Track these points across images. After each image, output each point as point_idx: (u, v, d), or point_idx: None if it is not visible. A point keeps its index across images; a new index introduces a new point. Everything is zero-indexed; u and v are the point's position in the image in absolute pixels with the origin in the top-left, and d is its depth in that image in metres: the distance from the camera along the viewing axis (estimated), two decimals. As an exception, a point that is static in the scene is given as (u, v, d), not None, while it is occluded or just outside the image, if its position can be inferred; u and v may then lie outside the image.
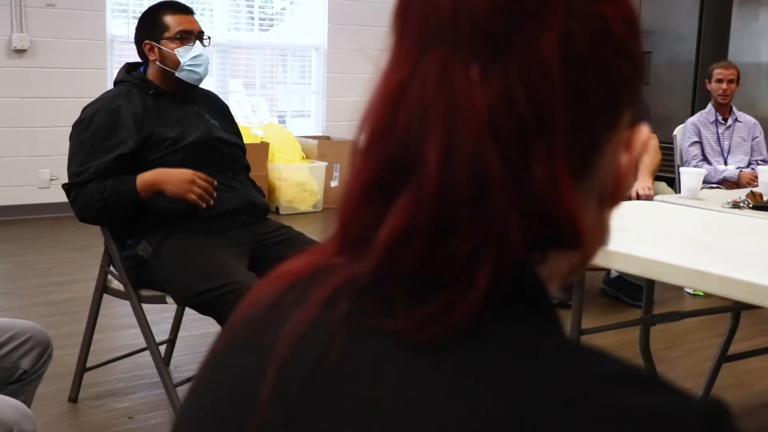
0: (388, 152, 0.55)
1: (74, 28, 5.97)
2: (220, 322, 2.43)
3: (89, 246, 5.14)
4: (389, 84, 0.57)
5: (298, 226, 2.90)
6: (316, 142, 6.74)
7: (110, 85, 6.00)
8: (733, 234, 2.32)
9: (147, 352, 3.12)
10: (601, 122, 0.57)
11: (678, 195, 3.08)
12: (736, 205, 2.67)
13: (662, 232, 2.31)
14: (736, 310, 3.03)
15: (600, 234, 0.62)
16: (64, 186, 2.61)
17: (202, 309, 2.46)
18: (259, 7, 7.05)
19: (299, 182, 6.36)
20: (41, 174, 6.04)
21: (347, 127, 7.24)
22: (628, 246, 2.00)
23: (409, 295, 0.54)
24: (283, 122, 7.20)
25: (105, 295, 4.08)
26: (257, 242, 2.69)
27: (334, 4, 7.09)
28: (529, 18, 0.54)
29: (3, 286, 4.37)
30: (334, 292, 0.56)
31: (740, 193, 2.85)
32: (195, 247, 2.53)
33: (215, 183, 2.56)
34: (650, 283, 2.72)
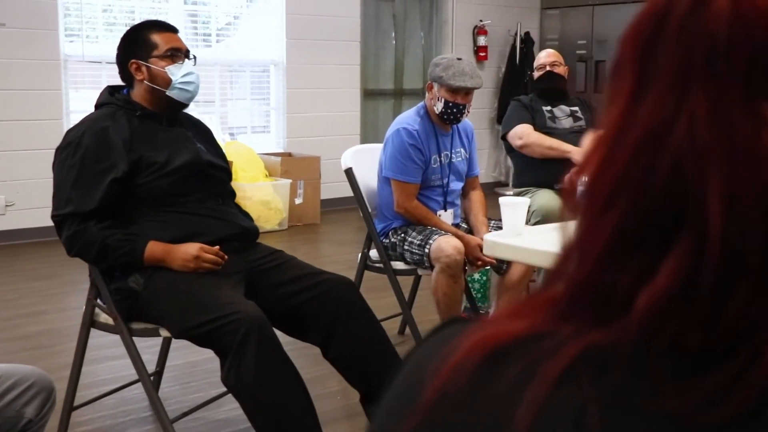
0: (645, 202, 0.48)
1: (26, 49, 5.78)
2: (219, 354, 2.34)
3: (54, 274, 4.97)
4: (640, 125, 0.50)
5: (265, 246, 2.81)
6: (279, 159, 6.64)
7: (66, 107, 5.89)
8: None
9: (132, 386, 3.01)
10: None
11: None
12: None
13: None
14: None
15: None
16: (54, 217, 2.48)
17: (201, 341, 2.37)
18: (203, 23, 6.88)
19: (264, 200, 6.25)
20: (-5, 200, 5.83)
21: (309, 143, 7.16)
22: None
23: (680, 368, 0.47)
24: (234, 138, 7.03)
25: (78, 327, 3.95)
26: (251, 269, 2.61)
27: (291, 19, 7.01)
28: None
29: (-34, 321, 4.18)
30: (571, 365, 0.49)
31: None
32: (189, 278, 2.43)
33: (224, 256, 2.49)
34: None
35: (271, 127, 7.26)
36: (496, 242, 2.22)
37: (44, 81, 5.85)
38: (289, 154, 6.98)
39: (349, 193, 7.57)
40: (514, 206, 2.29)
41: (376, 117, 7.93)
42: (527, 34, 8.43)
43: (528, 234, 2.29)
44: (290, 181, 6.51)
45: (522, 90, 8.12)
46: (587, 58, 8.12)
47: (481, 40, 8.18)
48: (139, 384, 3.02)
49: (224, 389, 2.97)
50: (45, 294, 4.57)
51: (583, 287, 0.51)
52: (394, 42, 7.94)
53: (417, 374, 0.57)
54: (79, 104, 6.00)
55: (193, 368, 3.39)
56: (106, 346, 3.41)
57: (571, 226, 0.56)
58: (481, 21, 8.19)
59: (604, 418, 0.47)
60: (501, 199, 2.32)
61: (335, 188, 7.28)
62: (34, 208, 5.85)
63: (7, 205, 5.81)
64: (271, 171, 6.60)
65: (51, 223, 5.92)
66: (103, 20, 6.19)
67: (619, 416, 0.47)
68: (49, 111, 5.85)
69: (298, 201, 6.62)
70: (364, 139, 7.54)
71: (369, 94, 7.79)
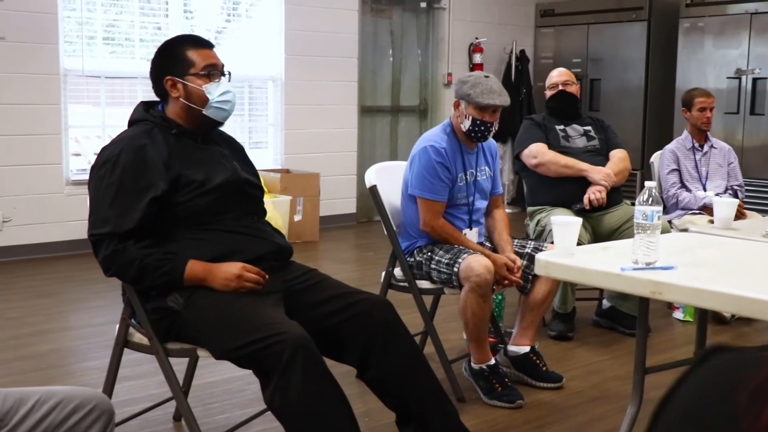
0: None
1: (26, 63, 5.69)
2: (262, 375, 2.27)
3: (56, 292, 4.88)
4: None
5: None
6: (278, 175, 6.58)
7: (65, 121, 5.79)
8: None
9: (156, 408, 2.94)
10: None
11: (711, 225, 3.07)
12: (775, 235, 2.66)
13: (733, 267, 2.26)
14: None
15: None
16: (91, 237, 2.41)
17: (244, 362, 2.30)
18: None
19: (264, 217, 6.18)
20: (-9, 216, 5.72)
21: (306, 159, 7.11)
22: (714, 284, 1.94)
23: None
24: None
25: (89, 345, 3.86)
26: (288, 288, 2.55)
27: (290, 35, 6.98)
28: None
29: (-29, 339, 4.07)
30: None
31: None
32: (231, 297, 2.38)
33: (265, 275, 2.44)
34: (703, 315, 2.67)
35: (268, 143, 7.21)
36: (549, 262, 2.19)
37: (43, 95, 5.76)
38: (287, 171, 6.93)
39: (347, 210, 7.57)
40: (566, 226, 2.26)
41: (373, 134, 7.90)
42: (522, 52, 8.46)
43: (580, 253, 2.26)
44: (290, 197, 6.45)
45: (518, 107, 8.14)
46: (582, 76, 8.16)
47: (477, 58, 8.19)
48: (163, 406, 2.97)
49: (252, 411, 2.94)
50: (49, 312, 4.48)
51: None
52: (391, 59, 7.93)
53: (718, 408, 0.54)
54: (78, 119, 5.91)
55: (214, 389, 3.32)
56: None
57: None
58: (476, 39, 8.20)
59: None
60: (553, 218, 2.30)
61: (333, 205, 7.24)
62: (32, 224, 5.75)
63: (3, 221, 5.71)
64: (270, 187, 6.54)
65: (49, 240, 5.83)
66: (104, 35, 6.12)
67: None
68: (47, 125, 5.76)
69: (297, 218, 6.56)
70: (361, 157, 7.52)
71: (366, 111, 7.76)
